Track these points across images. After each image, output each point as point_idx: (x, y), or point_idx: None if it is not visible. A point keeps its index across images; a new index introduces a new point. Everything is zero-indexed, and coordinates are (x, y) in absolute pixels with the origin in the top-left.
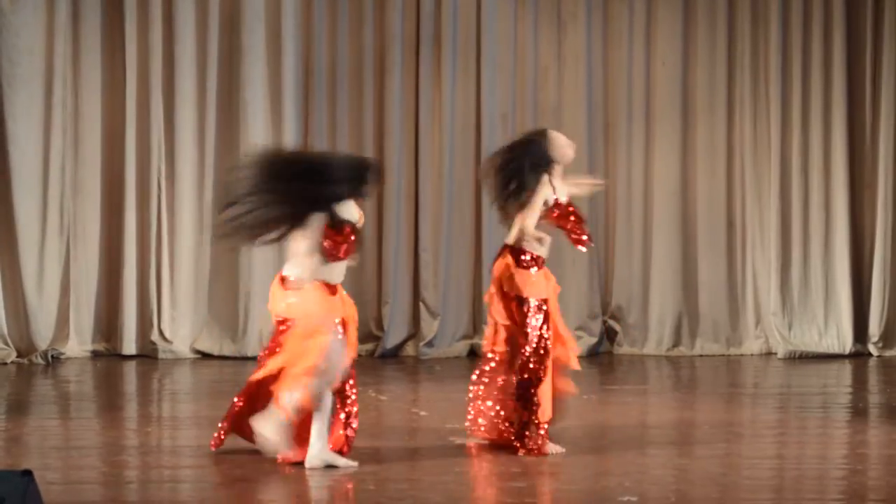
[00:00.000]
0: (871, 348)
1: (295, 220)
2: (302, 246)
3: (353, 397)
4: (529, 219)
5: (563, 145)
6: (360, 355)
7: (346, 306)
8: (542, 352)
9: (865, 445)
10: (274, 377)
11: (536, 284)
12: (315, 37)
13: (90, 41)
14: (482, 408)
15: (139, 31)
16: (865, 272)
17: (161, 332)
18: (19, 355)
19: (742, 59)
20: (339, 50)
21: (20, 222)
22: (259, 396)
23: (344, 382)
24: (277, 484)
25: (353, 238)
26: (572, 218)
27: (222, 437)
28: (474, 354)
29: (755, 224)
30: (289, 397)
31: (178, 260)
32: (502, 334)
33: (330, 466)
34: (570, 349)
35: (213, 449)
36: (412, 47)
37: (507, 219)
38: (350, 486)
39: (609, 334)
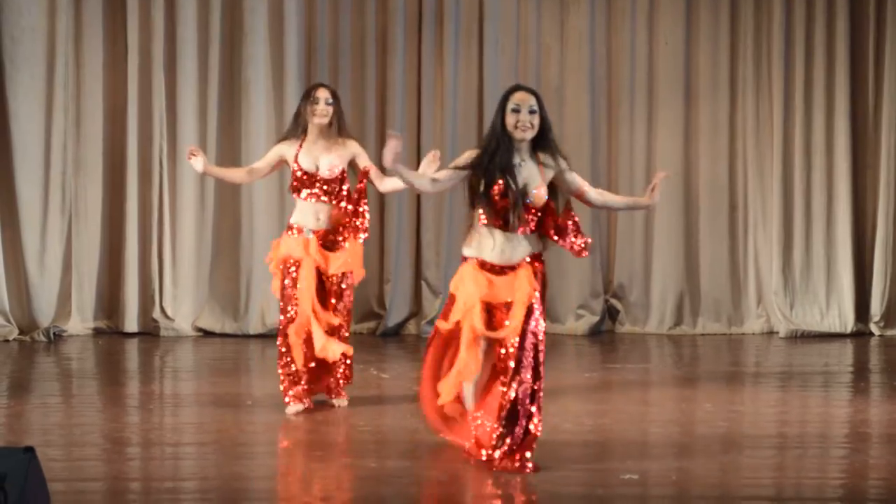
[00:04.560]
0: (873, 328)
1: None
2: None
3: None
4: None
5: None
6: (361, 333)
7: None
8: None
9: (867, 424)
10: None
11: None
12: (317, 15)
13: (92, 20)
14: None
15: (141, 10)
16: (867, 252)
17: (163, 310)
18: (21, 333)
19: (745, 39)
20: (341, 29)
21: (22, 200)
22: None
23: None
24: (277, 461)
25: None
26: None
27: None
28: None
29: (757, 203)
30: None
31: (180, 238)
32: None
33: None
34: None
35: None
36: (414, 26)
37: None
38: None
39: (611, 313)
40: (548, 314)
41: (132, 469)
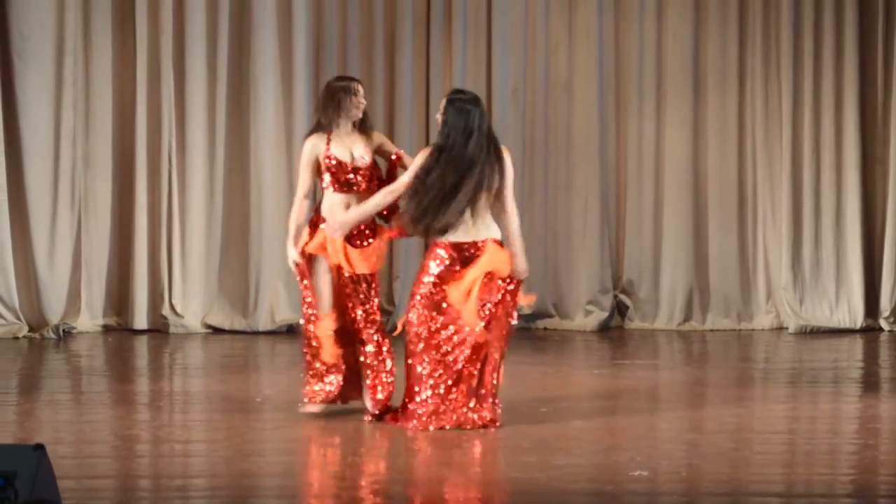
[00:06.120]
0: (883, 323)
1: None
2: None
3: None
4: None
5: None
6: None
7: None
8: None
9: (876, 420)
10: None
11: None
12: (325, 11)
13: (101, 15)
14: None
15: (150, 5)
16: (877, 247)
17: (172, 307)
18: (31, 330)
19: (753, 34)
20: (350, 25)
21: (31, 196)
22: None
23: None
24: (288, 458)
25: None
26: None
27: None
28: None
29: (766, 198)
30: None
31: (189, 234)
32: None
33: None
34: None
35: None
36: (423, 22)
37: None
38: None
39: (620, 309)
40: (557, 310)
41: (142, 466)
